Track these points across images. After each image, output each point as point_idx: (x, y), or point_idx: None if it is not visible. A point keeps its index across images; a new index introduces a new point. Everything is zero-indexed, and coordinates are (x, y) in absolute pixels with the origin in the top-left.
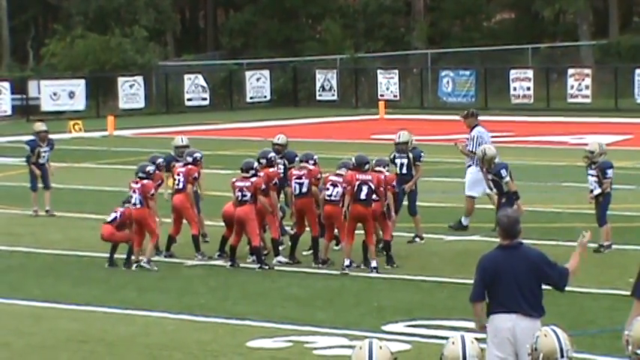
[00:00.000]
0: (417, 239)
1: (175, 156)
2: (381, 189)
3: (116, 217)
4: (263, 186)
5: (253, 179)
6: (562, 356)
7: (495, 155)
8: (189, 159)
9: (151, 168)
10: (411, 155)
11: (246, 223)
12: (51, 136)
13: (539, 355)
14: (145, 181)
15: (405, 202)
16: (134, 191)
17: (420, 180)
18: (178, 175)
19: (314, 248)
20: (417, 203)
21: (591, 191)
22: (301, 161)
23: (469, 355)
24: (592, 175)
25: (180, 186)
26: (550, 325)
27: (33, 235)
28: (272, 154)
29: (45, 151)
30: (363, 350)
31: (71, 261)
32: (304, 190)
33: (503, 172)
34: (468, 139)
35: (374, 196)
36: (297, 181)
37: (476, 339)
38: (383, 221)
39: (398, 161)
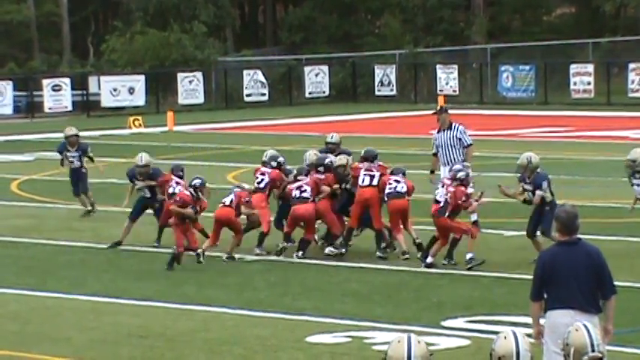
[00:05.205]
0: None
1: (137, 174)
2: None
3: (232, 199)
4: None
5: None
6: (593, 350)
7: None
8: (274, 163)
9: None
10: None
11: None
12: (83, 142)
13: (570, 349)
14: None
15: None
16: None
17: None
18: (263, 175)
19: (377, 238)
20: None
21: (637, 199)
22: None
23: (522, 349)
24: (638, 185)
25: (262, 185)
26: (581, 320)
27: (93, 231)
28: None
29: (73, 157)
30: (401, 344)
31: (131, 256)
32: (374, 182)
33: (544, 184)
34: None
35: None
36: (367, 173)
37: (527, 335)
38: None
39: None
